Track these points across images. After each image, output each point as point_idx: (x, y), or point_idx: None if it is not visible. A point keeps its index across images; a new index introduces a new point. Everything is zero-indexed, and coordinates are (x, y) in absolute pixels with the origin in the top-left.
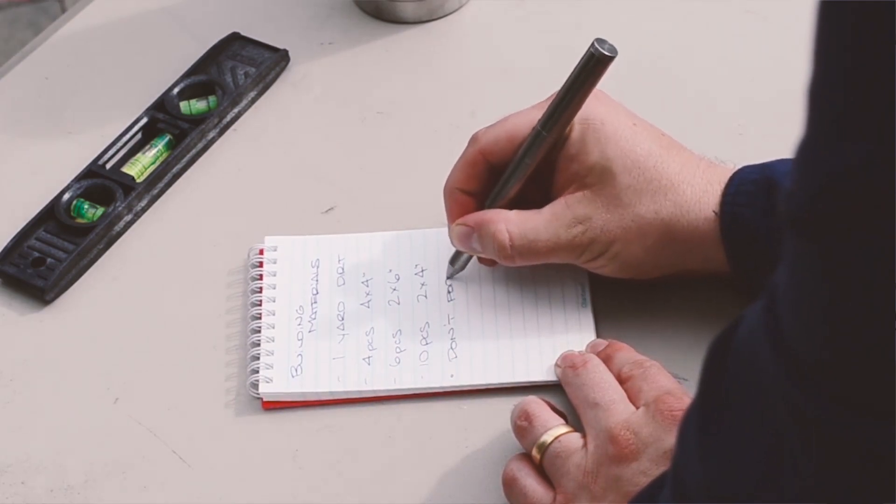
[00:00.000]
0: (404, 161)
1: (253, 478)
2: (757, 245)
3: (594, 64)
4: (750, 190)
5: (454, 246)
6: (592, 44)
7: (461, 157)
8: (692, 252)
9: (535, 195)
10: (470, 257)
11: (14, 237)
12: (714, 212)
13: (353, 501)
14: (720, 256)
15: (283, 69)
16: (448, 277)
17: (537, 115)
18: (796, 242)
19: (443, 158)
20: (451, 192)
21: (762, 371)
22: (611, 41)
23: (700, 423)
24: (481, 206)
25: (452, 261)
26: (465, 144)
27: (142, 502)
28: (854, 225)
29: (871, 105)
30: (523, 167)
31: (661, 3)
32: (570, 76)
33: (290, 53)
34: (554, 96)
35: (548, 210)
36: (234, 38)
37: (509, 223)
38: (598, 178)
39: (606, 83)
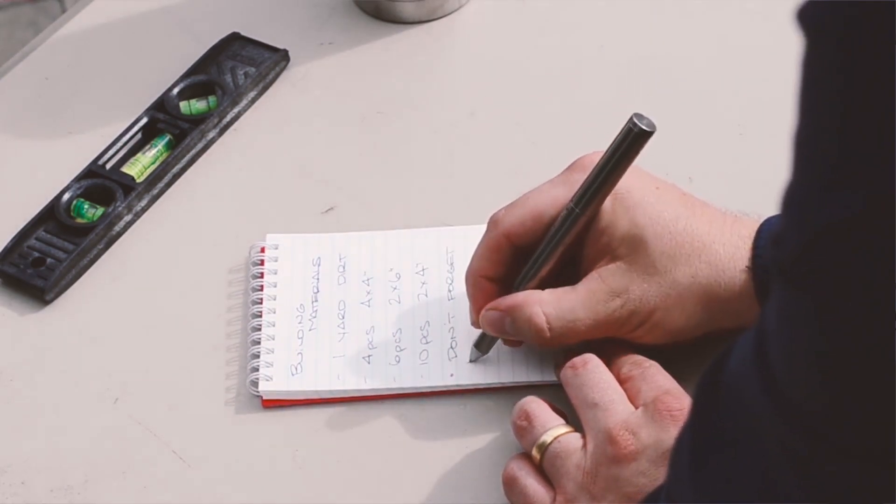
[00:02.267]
0: (404, 161)
1: (253, 478)
2: None
3: (632, 140)
4: None
5: (484, 331)
6: (631, 119)
7: (483, 243)
8: (732, 310)
9: (560, 274)
10: (495, 340)
11: (14, 237)
12: (746, 267)
13: (353, 501)
14: (756, 312)
15: (283, 69)
16: (471, 361)
17: (558, 191)
18: (787, 290)
19: (443, 158)
20: (474, 281)
21: (755, 411)
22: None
23: (692, 454)
24: (506, 292)
25: (478, 344)
26: (465, 145)
27: (142, 502)
28: (847, 276)
29: (864, 155)
30: (556, 247)
31: (661, 3)
32: (607, 152)
33: (290, 53)
34: (570, 170)
35: (582, 286)
36: (234, 38)
37: (544, 305)
38: (630, 248)
39: (607, 84)
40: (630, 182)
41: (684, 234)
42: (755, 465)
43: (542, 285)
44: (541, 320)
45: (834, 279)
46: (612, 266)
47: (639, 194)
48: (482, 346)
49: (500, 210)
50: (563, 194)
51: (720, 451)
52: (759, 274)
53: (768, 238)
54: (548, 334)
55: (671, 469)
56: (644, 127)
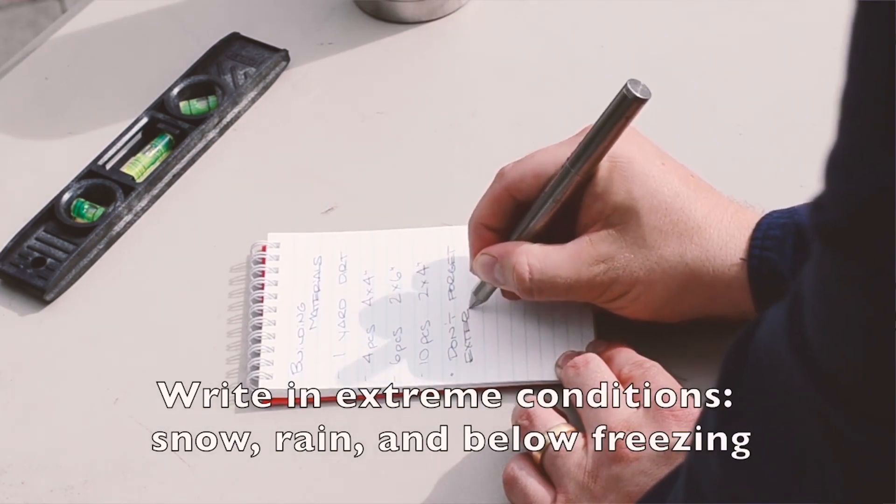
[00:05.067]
0: (404, 161)
1: (253, 477)
2: (785, 289)
3: (626, 105)
4: (777, 235)
5: (477, 276)
6: (626, 84)
7: (487, 193)
8: (716, 297)
9: (560, 232)
10: (493, 288)
11: (14, 237)
12: (741, 258)
13: (353, 501)
14: (746, 303)
15: (283, 69)
16: (470, 307)
17: (564, 151)
18: (830, 257)
19: (443, 158)
20: (475, 228)
21: (787, 383)
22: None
23: (720, 427)
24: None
25: (476, 291)
26: (465, 145)
27: (142, 502)
28: None
29: None
30: (550, 204)
31: (660, 3)
32: (602, 116)
33: (290, 53)
34: (580, 133)
35: (571, 246)
36: (234, 38)
37: (531, 256)
38: (622, 218)
39: (607, 84)
40: (634, 153)
41: (680, 212)
42: (787, 437)
43: (537, 240)
44: (524, 269)
45: (885, 245)
46: (602, 232)
47: (640, 166)
48: (480, 293)
49: (509, 164)
50: (567, 154)
51: (748, 422)
52: (754, 265)
53: (808, 205)
54: (528, 284)
55: (693, 450)
56: (638, 94)
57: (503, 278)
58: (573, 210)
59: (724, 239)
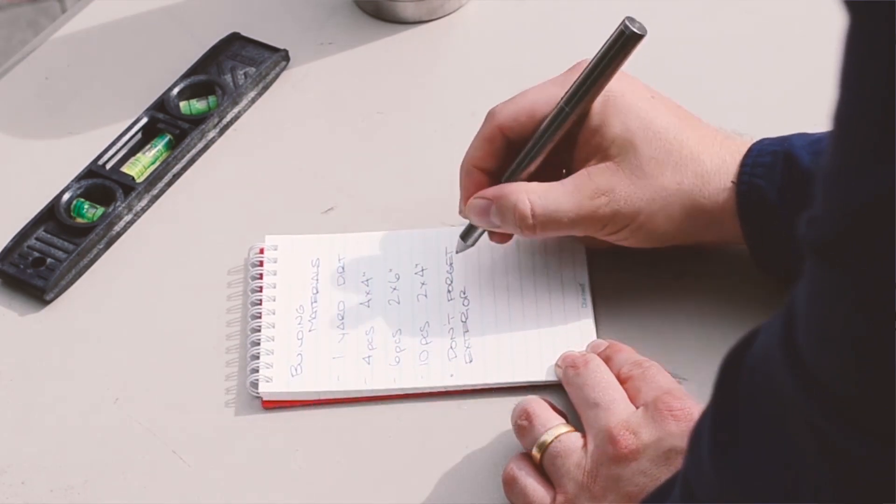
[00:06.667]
0: (404, 161)
1: (253, 478)
2: (772, 217)
3: (623, 42)
4: (767, 162)
5: (470, 220)
6: (623, 21)
7: (479, 134)
8: (713, 223)
9: (550, 171)
10: (482, 233)
11: (14, 237)
12: (732, 182)
13: (353, 501)
14: (736, 228)
15: (283, 69)
16: (457, 252)
17: (555, 90)
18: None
19: (442, 159)
20: (468, 170)
21: (782, 395)
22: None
23: (714, 438)
24: (497, 184)
25: (464, 236)
26: (465, 145)
27: (142, 502)
28: (890, 254)
29: None
30: (545, 143)
31: (661, 3)
32: (598, 53)
33: (290, 53)
34: (571, 71)
35: (570, 181)
36: (234, 38)
37: (531, 193)
38: (620, 150)
39: None
40: (625, 87)
41: (674, 142)
42: (781, 448)
43: (531, 181)
44: (525, 207)
45: (876, 257)
46: (601, 165)
47: (632, 99)
48: (468, 237)
49: (499, 104)
50: (559, 93)
51: (743, 434)
52: (742, 190)
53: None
54: (531, 221)
55: (689, 455)
56: (636, 30)
57: (501, 219)
58: (564, 149)
59: (716, 164)
